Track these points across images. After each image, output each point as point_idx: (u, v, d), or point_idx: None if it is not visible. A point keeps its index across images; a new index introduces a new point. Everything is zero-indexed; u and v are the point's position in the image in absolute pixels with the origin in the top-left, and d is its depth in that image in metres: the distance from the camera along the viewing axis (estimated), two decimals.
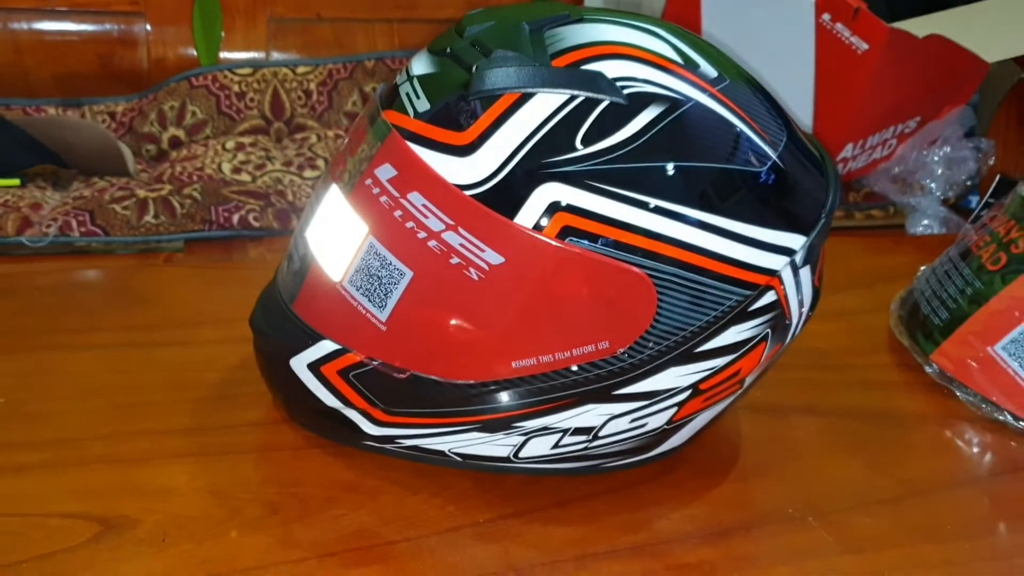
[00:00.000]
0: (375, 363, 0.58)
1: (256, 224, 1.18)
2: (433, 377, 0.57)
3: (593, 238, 0.53)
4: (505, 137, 0.54)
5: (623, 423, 0.59)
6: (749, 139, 0.56)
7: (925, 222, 1.25)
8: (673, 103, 0.55)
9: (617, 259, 0.54)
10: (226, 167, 1.30)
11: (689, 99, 0.55)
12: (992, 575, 0.60)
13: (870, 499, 0.64)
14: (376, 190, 0.56)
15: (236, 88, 1.42)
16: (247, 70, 1.44)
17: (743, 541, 0.60)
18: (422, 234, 0.55)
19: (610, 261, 0.54)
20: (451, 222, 0.54)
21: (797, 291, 0.59)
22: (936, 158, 1.29)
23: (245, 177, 1.28)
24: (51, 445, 0.63)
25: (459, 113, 0.55)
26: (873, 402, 0.74)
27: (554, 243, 0.53)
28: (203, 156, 1.32)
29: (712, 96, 0.56)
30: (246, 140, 1.38)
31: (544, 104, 0.54)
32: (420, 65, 0.59)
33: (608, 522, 0.60)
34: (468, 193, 0.54)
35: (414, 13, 1.54)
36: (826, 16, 1.25)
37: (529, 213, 0.53)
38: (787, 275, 0.58)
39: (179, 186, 1.22)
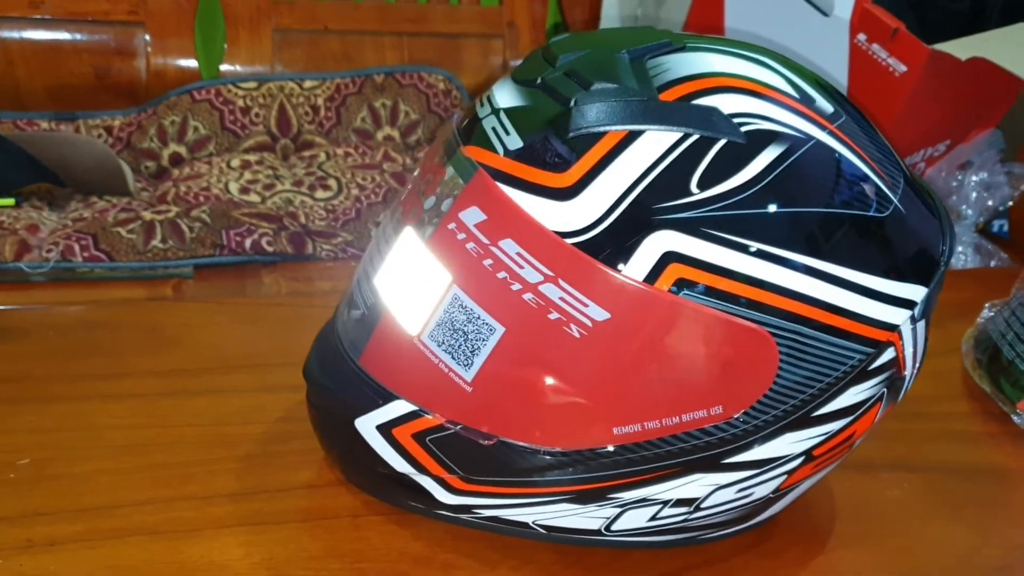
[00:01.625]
0: (457, 427, 0.52)
1: (270, 249, 1.12)
2: (523, 444, 0.52)
3: (711, 292, 0.48)
4: (612, 180, 0.48)
5: (729, 493, 0.54)
6: (871, 181, 0.51)
7: (959, 249, 1.21)
8: (794, 142, 0.50)
9: (737, 315, 0.48)
10: (233, 187, 1.23)
11: (810, 137, 0.50)
12: None
13: (981, 568, 0.59)
14: (461, 235, 0.50)
15: (240, 103, 1.36)
16: (252, 84, 1.38)
17: None
18: (516, 286, 0.49)
19: (729, 318, 0.48)
20: (550, 273, 0.48)
21: (914, 346, 0.54)
22: (972, 183, 1.25)
23: (254, 198, 1.22)
24: (84, 514, 0.56)
25: (557, 152, 0.49)
26: (963, 456, 0.70)
27: (668, 297, 0.48)
28: (208, 175, 1.25)
29: (831, 134, 0.51)
30: (252, 158, 1.31)
31: (654, 143, 0.48)
32: (506, 96, 0.53)
33: None
34: (570, 241, 0.48)
35: (425, 27, 1.48)
36: (861, 36, 1.21)
37: (639, 264, 0.48)
38: (907, 330, 0.53)
39: (186, 208, 1.16)
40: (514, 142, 0.50)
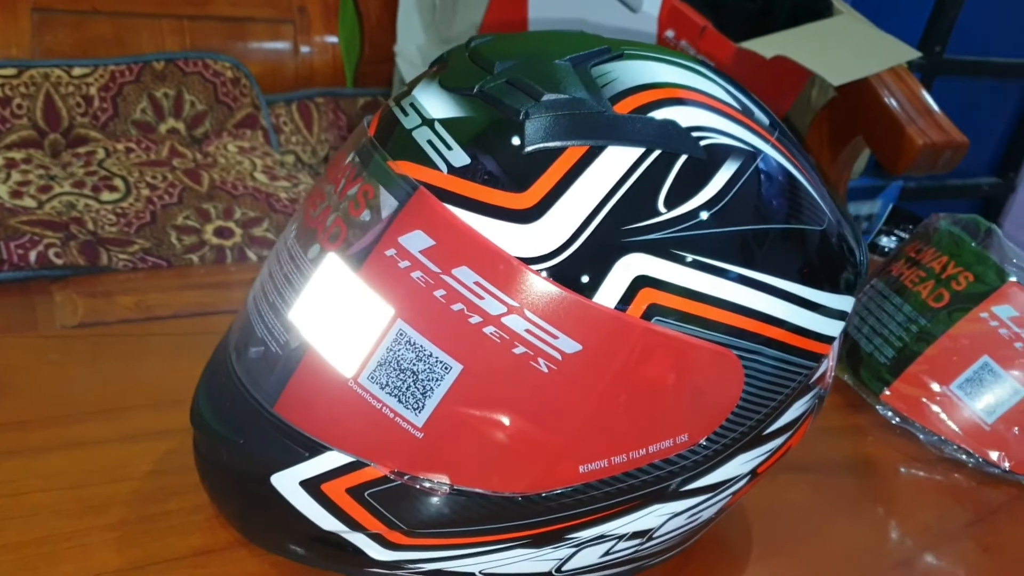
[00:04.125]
0: (404, 478, 0.47)
1: (59, 262, 0.98)
2: (481, 491, 0.47)
3: (681, 316, 0.45)
4: (577, 199, 0.44)
5: (680, 520, 0.52)
6: (810, 194, 0.51)
7: None
8: (747, 157, 0.48)
9: (707, 340, 0.46)
10: (2, 190, 1.08)
11: (759, 151, 0.49)
12: None
13: (890, 561, 0.61)
14: (404, 263, 0.45)
15: None
16: (10, 71, 1.21)
17: None
18: (475, 318, 0.44)
19: (701, 343, 0.46)
20: (515, 304, 0.44)
21: (835, 356, 0.54)
22: None
23: (29, 202, 1.07)
24: None
25: (512, 169, 0.45)
26: (841, 451, 0.72)
27: (641, 325, 0.45)
28: None
29: (773, 147, 0.50)
30: (17, 155, 1.15)
31: (618, 160, 0.45)
32: (438, 105, 0.48)
33: None
34: (535, 268, 0.44)
35: (207, 10, 1.36)
36: (670, 32, 1.23)
37: (610, 290, 0.44)
38: (836, 342, 0.53)
39: None
40: (459, 158, 0.45)
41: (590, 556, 0.51)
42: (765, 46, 1.19)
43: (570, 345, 0.44)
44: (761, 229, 0.48)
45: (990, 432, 0.71)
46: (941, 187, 1.85)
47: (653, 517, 0.50)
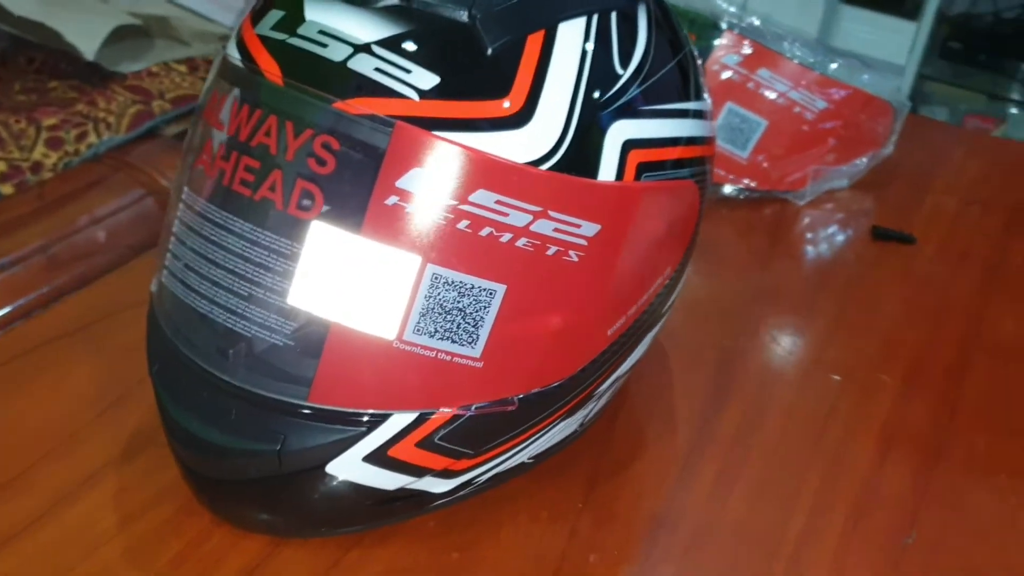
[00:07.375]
0: (472, 409, 0.46)
1: None
2: (543, 388, 0.48)
3: (660, 165, 0.48)
4: (556, 89, 0.44)
5: (656, 336, 0.57)
6: (676, 16, 0.54)
7: None
8: None
9: (679, 179, 0.50)
10: None
11: None
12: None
13: (730, 295, 0.72)
14: (412, 207, 0.42)
15: None
16: None
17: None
18: (506, 236, 0.43)
19: (677, 183, 0.49)
20: (538, 209, 0.44)
21: None
22: None
23: None
24: None
25: (486, 76, 0.43)
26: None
27: (638, 187, 0.47)
28: None
29: None
30: None
31: (571, 36, 0.45)
32: (360, 26, 0.43)
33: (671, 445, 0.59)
34: (544, 167, 0.44)
35: None
36: None
37: (609, 164, 0.46)
38: None
39: None
40: (426, 79, 0.42)
41: (603, 400, 0.55)
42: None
43: (591, 228, 0.46)
44: (678, 62, 0.51)
45: (747, 164, 0.83)
46: None
47: (645, 345, 0.55)
